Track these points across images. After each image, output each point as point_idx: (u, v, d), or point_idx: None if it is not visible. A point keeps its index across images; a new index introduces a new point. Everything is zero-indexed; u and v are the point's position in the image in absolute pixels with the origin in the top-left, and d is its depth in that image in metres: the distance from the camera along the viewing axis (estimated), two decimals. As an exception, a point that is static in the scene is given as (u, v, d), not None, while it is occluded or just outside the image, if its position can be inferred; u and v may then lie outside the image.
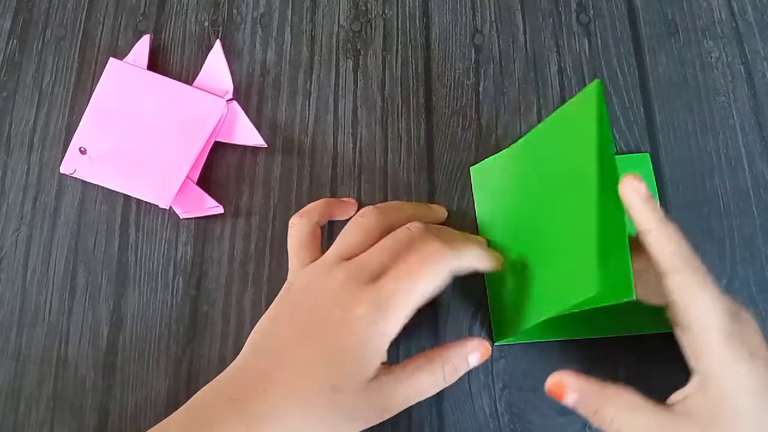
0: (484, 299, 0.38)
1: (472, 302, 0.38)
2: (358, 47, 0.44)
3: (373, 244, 0.33)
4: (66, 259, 0.40)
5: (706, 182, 0.40)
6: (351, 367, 0.30)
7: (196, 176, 0.40)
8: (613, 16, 0.43)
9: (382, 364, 0.31)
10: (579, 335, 0.37)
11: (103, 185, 0.40)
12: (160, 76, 0.42)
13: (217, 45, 0.43)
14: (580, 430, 0.36)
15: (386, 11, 0.44)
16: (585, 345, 0.37)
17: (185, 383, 0.38)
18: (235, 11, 0.45)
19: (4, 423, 0.37)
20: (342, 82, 0.43)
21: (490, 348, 0.32)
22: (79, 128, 0.40)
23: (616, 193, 0.30)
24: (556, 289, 0.32)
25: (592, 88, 0.32)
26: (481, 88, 0.42)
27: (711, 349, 0.28)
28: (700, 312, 0.28)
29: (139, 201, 0.41)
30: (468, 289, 0.38)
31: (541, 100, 0.42)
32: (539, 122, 0.41)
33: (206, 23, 0.45)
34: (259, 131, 0.40)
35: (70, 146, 0.40)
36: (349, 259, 0.33)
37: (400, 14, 0.44)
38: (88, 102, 0.41)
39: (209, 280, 0.39)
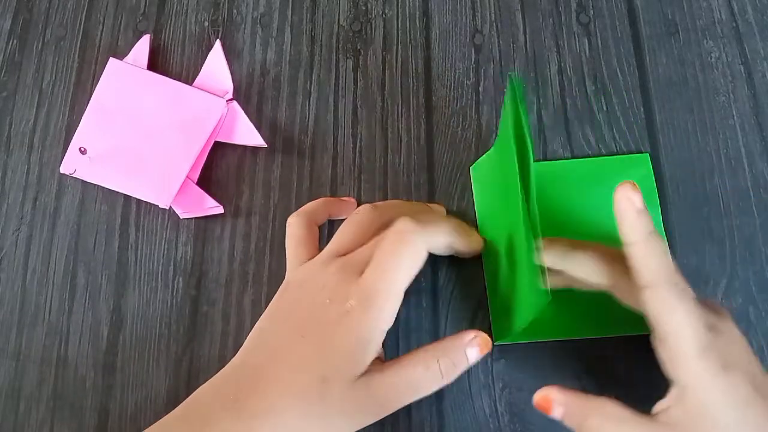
0: (484, 299, 0.38)
1: (472, 302, 0.38)
2: (358, 47, 0.44)
3: (368, 241, 0.33)
4: (66, 259, 0.40)
5: (706, 182, 0.40)
6: (342, 360, 0.30)
7: (196, 176, 0.40)
8: (613, 16, 0.43)
9: (378, 359, 0.31)
10: (579, 335, 0.37)
11: (103, 185, 0.40)
12: (160, 76, 0.42)
13: (217, 45, 0.43)
14: (580, 430, 0.36)
15: (386, 11, 0.44)
16: (585, 345, 0.37)
17: (185, 383, 0.38)
18: (235, 11, 0.45)
19: (4, 423, 0.37)
20: (342, 82, 0.43)
21: (490, 341, 0.32)
22: (79, 128, 0.41)
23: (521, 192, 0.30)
24: (527, 294, 0.32)
25: (510, 84, 0.31)
26: (481, 88, 0.42)
27: (686, 361, 0.28)
28: (676, 323, 0.28)
29: (139, 201, 0.41)
30: (468, 289, 0.38)
31: (541, 100, 0.42)
32: (539, 122, 0.41)
33: (206, 23, 0.45)
34: (259, 131, 0.40)
35: (70, 146, 0.40)
36: (344, 255, 0.33)
37: (400, 14, 0.44)
38: (88, 102, 0.41)
39: (209, 280, 0.39)
